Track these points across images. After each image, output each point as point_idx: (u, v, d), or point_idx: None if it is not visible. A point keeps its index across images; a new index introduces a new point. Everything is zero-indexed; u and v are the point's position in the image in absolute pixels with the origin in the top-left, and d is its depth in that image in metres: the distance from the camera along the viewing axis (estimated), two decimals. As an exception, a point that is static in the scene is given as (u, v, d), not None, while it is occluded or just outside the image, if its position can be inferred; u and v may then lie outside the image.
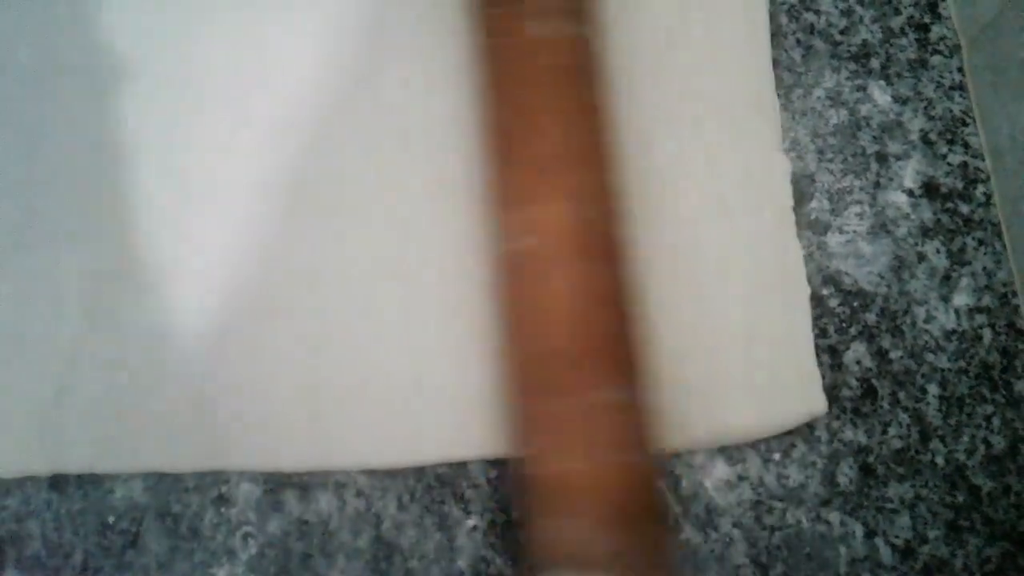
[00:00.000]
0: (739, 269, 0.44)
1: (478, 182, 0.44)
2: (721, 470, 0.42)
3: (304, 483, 0.42)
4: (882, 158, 0.47)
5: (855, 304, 0.45)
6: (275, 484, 0.42)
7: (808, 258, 0.46)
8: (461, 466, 0.42)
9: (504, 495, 0.42)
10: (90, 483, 0.42)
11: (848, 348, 0.44)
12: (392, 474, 0.42)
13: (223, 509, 0.42)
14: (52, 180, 0.45)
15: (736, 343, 0.43)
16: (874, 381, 0.44)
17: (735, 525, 0.42)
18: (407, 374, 0.43)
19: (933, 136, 0.48)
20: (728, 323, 0.43)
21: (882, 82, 0.48)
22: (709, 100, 0.47)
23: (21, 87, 0.47)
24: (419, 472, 0.42)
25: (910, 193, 0.47)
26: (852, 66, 0.49)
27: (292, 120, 0.46)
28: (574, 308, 0.38)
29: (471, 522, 0.42)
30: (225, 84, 0.47)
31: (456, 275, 0.44)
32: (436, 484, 0.42)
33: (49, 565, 0.41)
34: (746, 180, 0.46)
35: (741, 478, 0.42)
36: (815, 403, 0.43)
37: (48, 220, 0.45)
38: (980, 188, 0.47)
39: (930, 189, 0.47)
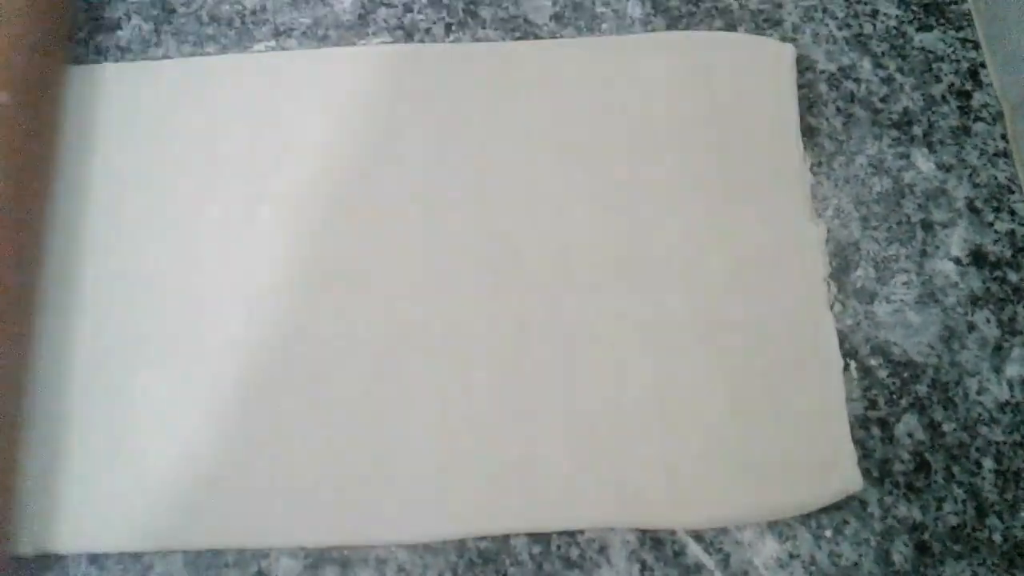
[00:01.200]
0: (771, 342, 0.44)
1: (499, 250, 0.45)
2: (771, 547, 0.41)
3: (344, 558, 0.41)
4: (927, 226, 0.47)
5: (905, 375, 0.44)
6: (315, 559, 0.41)
7: (855, 327, 0.45)
8: (504, 542, 0.41)
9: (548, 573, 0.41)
10: (130, 558, 0.41)
11: (899, 420, 0.43)
12: (433, 550, 0.41)
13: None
14: (59, 250, 0.46)
15: (768, 418, 0.42)
16: (927, 455, 0.43)
17: (787, 605, 0.40)
18: (446, 447, 0.42)
19: (979, 204, 0.47)
20: (760, 398, 0.43)
21: (925, 149, 0.48)
22: (738, 172, 0.47)
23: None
24: (461, 548, 0.41)
25: (957, 261, 0.46)
26: (894, 133, 0.48)
27: (305, 195, 0.46)
28: None
29: (515, 600, 0.41)
30: (239, 159, 0.47)
31: (489, 347, 0.44)
32: (478, 560, 0.41)
33: (87, 643, 0.40)
34: (777, 252, 0.45)
35: (792, 556, 0.41)
36: (850, 480, 0.41)
37: (42, 291, 0.45)
38: (1029, 256, 0.46)
39: (978, 257, 0.46)
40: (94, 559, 0.41)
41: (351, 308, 0.45)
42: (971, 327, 0.45)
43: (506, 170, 0.47)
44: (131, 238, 0.46)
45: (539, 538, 0.42)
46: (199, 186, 0.47)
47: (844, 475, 0.41)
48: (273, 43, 0.50)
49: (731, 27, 0.51)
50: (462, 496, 0.42)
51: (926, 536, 0.41)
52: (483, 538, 0.42)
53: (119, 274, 0.45)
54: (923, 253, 0.46)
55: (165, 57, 0.50)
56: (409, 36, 0.50)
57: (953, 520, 0.42)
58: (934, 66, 0.50)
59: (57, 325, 0.44)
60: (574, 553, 0.41)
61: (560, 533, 0.42)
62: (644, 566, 0.41)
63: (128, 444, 0.42)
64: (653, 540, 0.41)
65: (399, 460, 0.42)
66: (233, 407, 0.43)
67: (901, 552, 0.41)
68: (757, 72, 0.49)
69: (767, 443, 0.42)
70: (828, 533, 0.41)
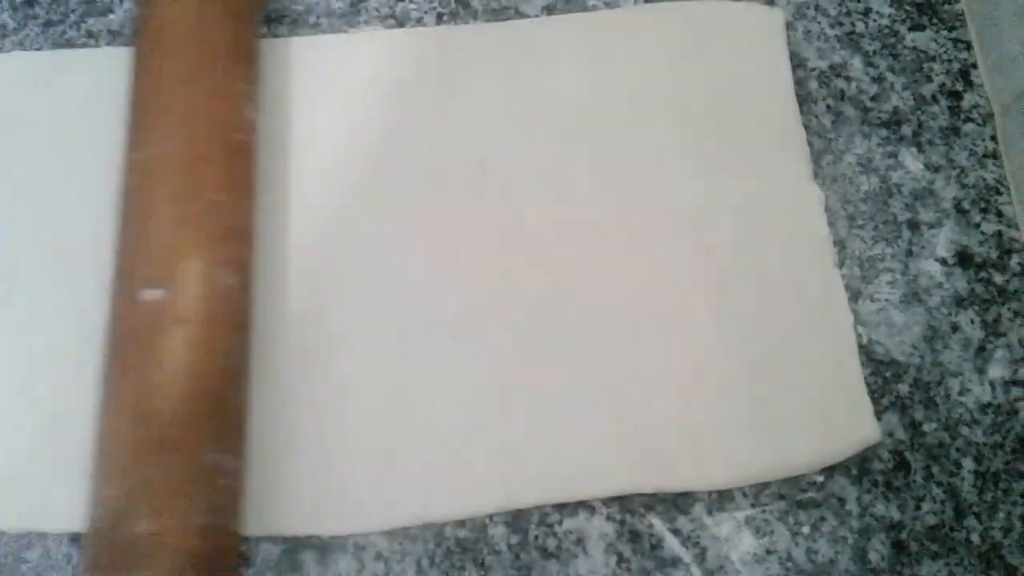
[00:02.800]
0: (781, 301, 0.44)
1: (508, 227, 0.46)
2: (748, 542, 0.41)
3: (323, 544, 0.41)
4: (914, 226, 0.47)
5: (887, 374, 0.44)
6: (293, 544, 0.41)
7: (838, 326, 0.45)
8: (482, 531, 0.42)
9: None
10: (109, 539, 0.42)
11: (880, 419, 0.43)
12: (412, 537, 0.42)
13: (240, 569, 0.41)
14: (42, 230, 0.46)
15: (783, 375, 0.43)
16: (907, 454, 0.43)
17: (762, 601, 0.40)
18: (422, 432, 0.42)
19: (966, 204, 0.47)
20: (775, 356, 0.43)
21: (914, 149, 0.48)
22: (736, 136, 0.47)
23: (23, 139, 0.48)
24: (439, 536, 0.42)
25: (943, 262, 0.46)
26: (883, 133, 0.48)
27: (319, 180, 0.46)
28: (194, 368, 0.38)
29: (491, 590, 0.41)
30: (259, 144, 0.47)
31: (471, 332, 0.44)
32: (456, 549, 0.41)
33: (65, 622, 0.40)
34: (780, 213, 0.46)
35: (769, 551, 0.41)
36: (868, 431, 0.42)
37: (37, 271, 0.45)
38: (1015, 258, 0.46)
39: (963, 258, 0.46)
40: (75, 538, 0.42)
41: (346, 295, 0.45)
42: (955, 328, 0.45)
43: (510, 149, 0.47)
44: None
45: (517, 528, 0.42)
46: None
47: (862, 427, 0.42)
48: (264, 30, 0.50)
49: (723, 23, 0.51)
50: (477, 471, 0.42)
51: (903, 535, 0.42)
52: (462, 525, 0.42)
53: None
54: (909, 253, 0.46)
55: (157, 42, 0.50)
56: (400, 25, 0.50)
57: (931, 520, 0.42)
58: (925, 66, 0.50)
59: (63, 303, 0.45)
60: (551, 544, 0.41)
61: (538, 524, 0.42)
62: (621, 558, 0.41)
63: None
64: (631, 532, 0.42)
65: (375, 447, 0.42)
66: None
67: (878, 550, 0.41)
68: (748, 38, 0.49)
69: (785, 400, 0.43)
70: (805, 529, 0.42)
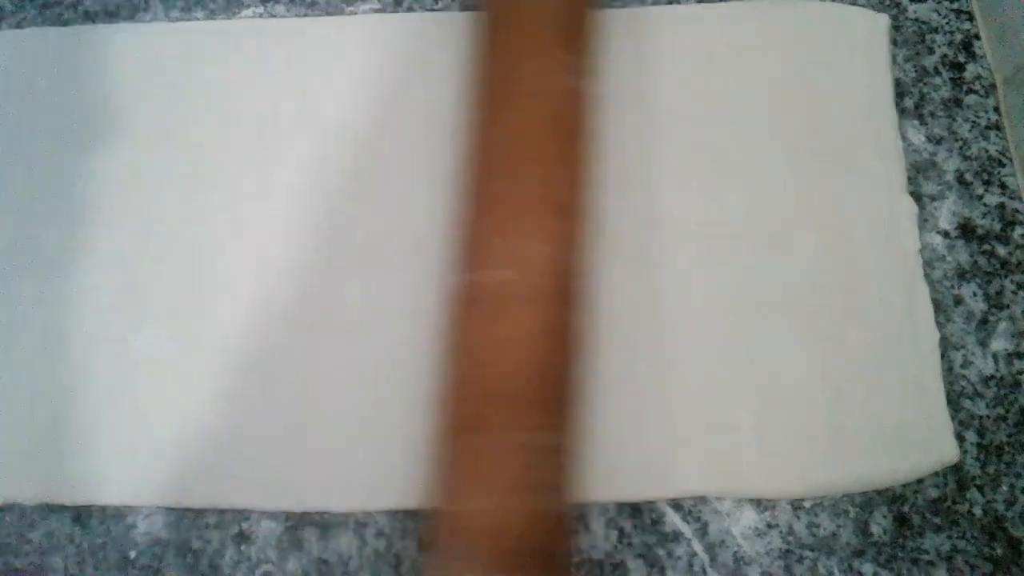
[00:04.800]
0: (867, 313, 0.43)
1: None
2: (749, 517, 0.41)
3: (325, 521, 0.42)
4: (916, 198, 0.46)
5: (889, 348, 0.44)
6: (295, 522, 0.42)
7: (840, 300, 0.45)
8: (483, 507, 0.42)
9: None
10: (113, 518, 0.42)
11: (881, 393, 0.43)
12: (413, 514, 0.42)
13: (243, 546, 0.41)
14: (55, 207, 0.46)
15: (862, 387, 0.42)
16: (909, 427, 0.43)
17: (763, 575, 0.40)
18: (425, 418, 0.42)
19: (969, 176, 0.47)
20: (856, 368, 0.43)
21: (916, 121, 0.48)
22: (831, 141, 0.46)
23: (35, 116, 0.48)
24: (441, 513, 0.42)
25: (945, 234, 0.46)
26: (885, 105, 0.48)
27: (301, 174, 0.46)
28: (527, 346, 0.38)
29: (492, 565, 0.41)
30: (248, 124, 0.47)
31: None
32: (458, 525, 0.41)
33: (69, 600, 0.41)
34: (871, 222, 0.45)
35: (770, 526, 0.41)
36: (947, 450, 0.41)
37: (50, 247, 0.46)
38: (1018, 230, 0.46)
39: (966, 230, 0.46)
40: (77, 518, 0.42)
41: (354, 278, 0.45)
42: (957, 300, 0.45)
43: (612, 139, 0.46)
44: (141, 198, 0.46)
45: (518, 504, 0.42)
46: (209, 149, 0.47)
47: (941, 446, 0.42)
48: (261, 8, 0.50)
49: (723, -4, 0.50)
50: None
51: (906, 508, 0.41)
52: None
53: (131, 230, 0.46)
54: (911, 226, 0.46)
55: (154, 21, 0.50)
56: (397, 2, 0.50)
57: (933, 493, 0.42)
58: (927, 37, 0.49)
59: (63, 277, 0.45)
60: (552, 519, 0.41)
61: (539, 500, 0.42)
62: (622, 533, 0.41)
63: (116, 401, 0.43)
64: (631, 508, 0.42)
65: (378, 428, 0.42)
66: (222, 372, 0.43)
67: (880, 524, 0.41)
68: (851, 41, 0.48)
69: (863, 413, 0.42)
70: (807, 504, 0.41)
